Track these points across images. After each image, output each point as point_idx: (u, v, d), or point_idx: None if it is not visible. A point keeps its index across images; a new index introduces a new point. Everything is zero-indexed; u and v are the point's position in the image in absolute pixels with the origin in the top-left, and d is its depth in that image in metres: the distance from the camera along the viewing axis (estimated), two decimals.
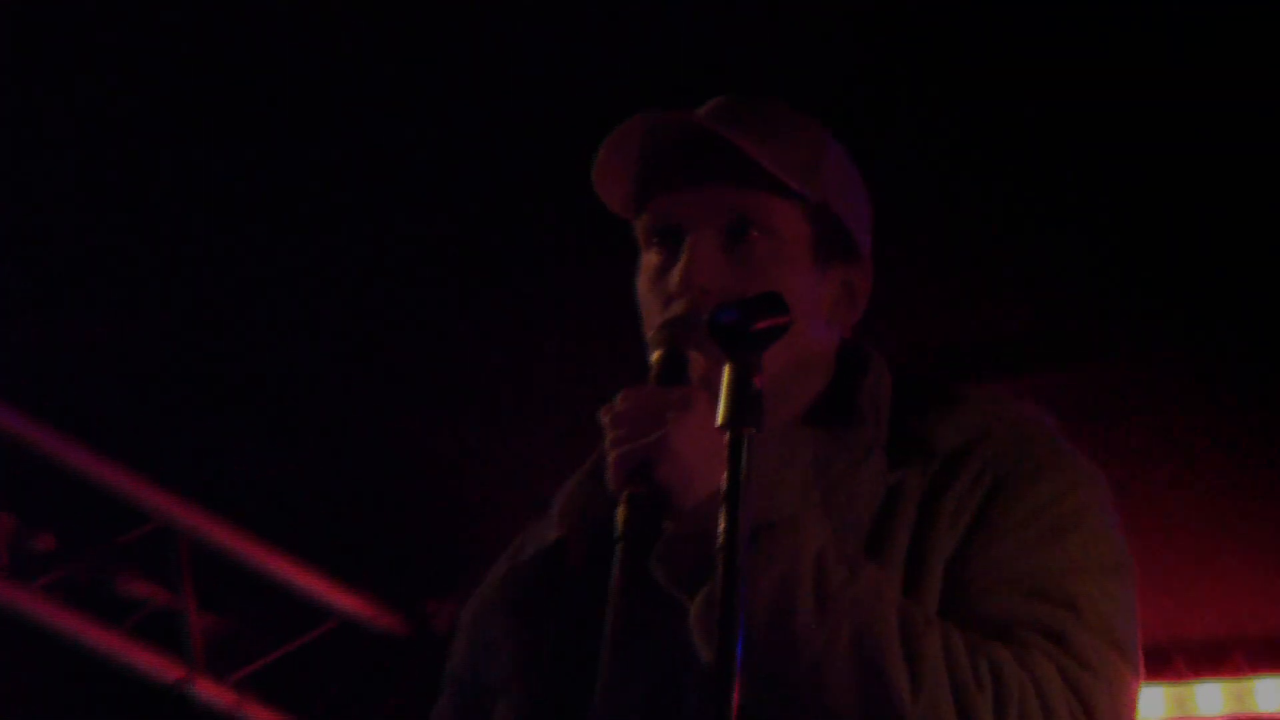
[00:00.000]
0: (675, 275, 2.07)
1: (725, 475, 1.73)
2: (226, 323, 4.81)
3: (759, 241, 2.08)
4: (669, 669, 1.98)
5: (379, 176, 4.21)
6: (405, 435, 5.24)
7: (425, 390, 5.01)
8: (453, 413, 5.08)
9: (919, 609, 1.94)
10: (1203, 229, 4.15)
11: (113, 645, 5.48)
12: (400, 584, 5.88)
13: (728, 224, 2.09)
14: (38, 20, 3.81)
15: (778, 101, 2.17)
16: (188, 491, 5.47)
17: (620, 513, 1.90)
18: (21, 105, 4.04)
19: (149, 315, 4.79)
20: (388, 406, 5.13)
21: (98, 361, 4.97)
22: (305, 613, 5.84)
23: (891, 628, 1.89)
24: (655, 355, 2.02)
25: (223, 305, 4.72)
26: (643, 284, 2.13)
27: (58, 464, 5.25)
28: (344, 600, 5.84)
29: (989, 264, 4.35)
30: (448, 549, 5.45)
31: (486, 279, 4.52)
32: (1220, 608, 5.52)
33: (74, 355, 4.95)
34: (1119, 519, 2.08)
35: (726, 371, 1.78)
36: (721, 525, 1.71)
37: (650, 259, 2.13)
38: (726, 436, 1.75)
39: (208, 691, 5.62)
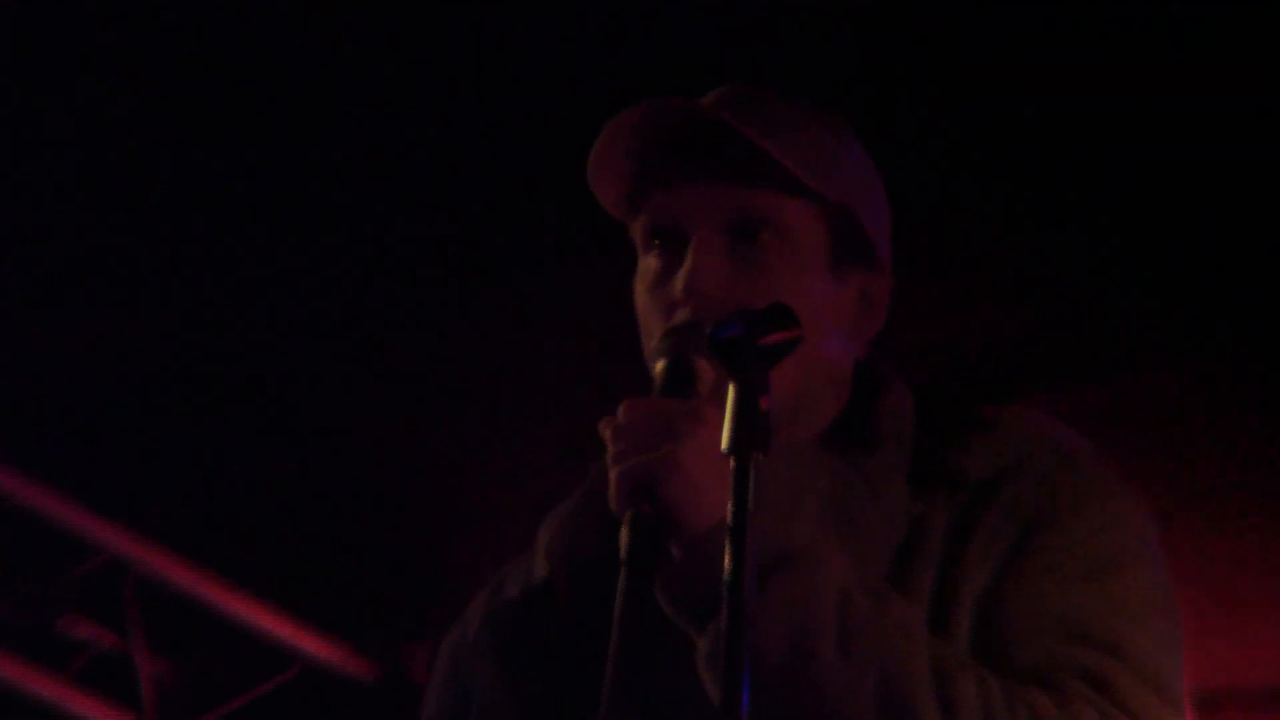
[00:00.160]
0: (678, 282, 1.90)
1: (730, 506, 1.58)
2: (206, 326, 4.67)
3: (770, 245, 1.92)
4: (676, 711, 1.82)
5: (379, 176, 4.21)
6: (383, 453, 4.99)
7: (419, 398, 4.98)
8: (448, 420, 5.04)
9: (951, 650, 1.79)
10: (1203, 229, 4.15)
11: (54, 693, 5.02)
12: (371, 626, 5.49)
13: (735, 225, 1.92)
14: (38, 20, 3.81)
15: (790, 91, 2.01)
16: (135, 523, 4.98)
17: (623, 535, 1.72)
18: (21, 105, 4.04)
19: (123, 319, 4.60)
20: (370, 420, 4.93)
21: (28, 376, 4.63)
22: (266, 657, 5.35)
23: (922, 670, 1.74)
24: (659, 365, 1.85)
25: (222, 306, 4.71)
26: (642, 291, 1.97)
27: None
28: (309, 643, 5.37)
29: (990, 265, 4.34)
30: (425, 586, 5.15)
31: (487, 279, 4.52)
32: (1275, 652, 5.33)
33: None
34: (1163, 554, 1.94)
35: (730, 391, 1.64)
36: (727, 560, 1.56)
37: (649, 263, 1.96)
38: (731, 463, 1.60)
39: None
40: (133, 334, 4.68)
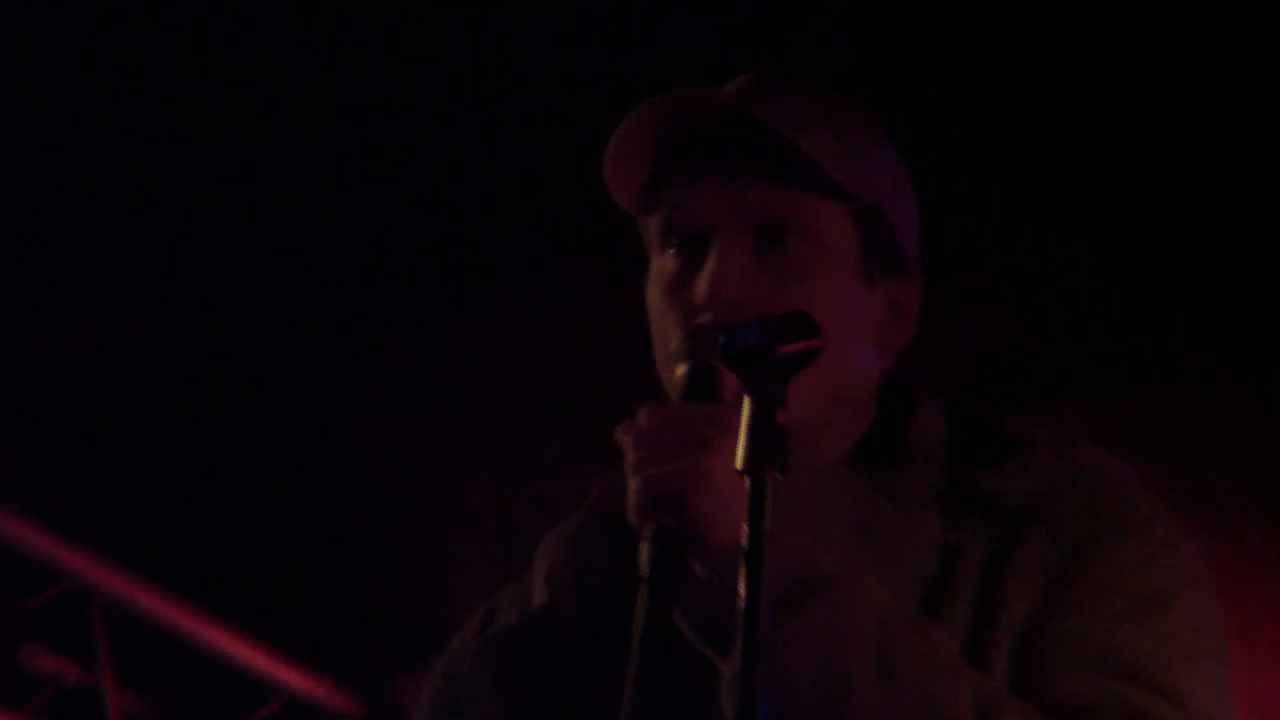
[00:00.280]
0: (700, 286, 1.77)
1: (745, 528, 1.46)
2: (205, 326, 4.59)
3: (796, 249, 1.80)
4: None
5: (379, 176, 4.21)
6: (371, 469, 4.83)
7: (420, 398, 4.97)
8: (448, 420, 5.04)
9: (993, 684, 1.69)
10: (1205, 231, 4.14)
11: None
12: (357, 658, 5.22)
13: (762, 226, 1.80)
14: (38, 20, 3.81)
15: (818, 82, 1.88)
16: (101, 547, 4.64)
17: (643, 549, 1.59)
18: (21, 105, 4.04)
19: (109, 322, 4.49)
20: (370, 421, 4.83)
21: None
22: (244, 691, 5.00)
23: (964, 704, 1.63)
24: (680, 369, 1.72)
25: (222, 307, 4.70)
26: (656, 293, 1.83)
27: None
28: (289, 676, 5.04)
29: (990, 268, 4.34)
30: (418, 613, 4.89)
31: (487, 279, 4.52)
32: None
33: None
34: (1212, 585, 1.83)
35: (745, 405, 1.52)
36: (741, 586, 1.44)
37: (666, 263, 1.83)
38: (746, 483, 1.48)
39: None
40: (132, 335, 4.67)
